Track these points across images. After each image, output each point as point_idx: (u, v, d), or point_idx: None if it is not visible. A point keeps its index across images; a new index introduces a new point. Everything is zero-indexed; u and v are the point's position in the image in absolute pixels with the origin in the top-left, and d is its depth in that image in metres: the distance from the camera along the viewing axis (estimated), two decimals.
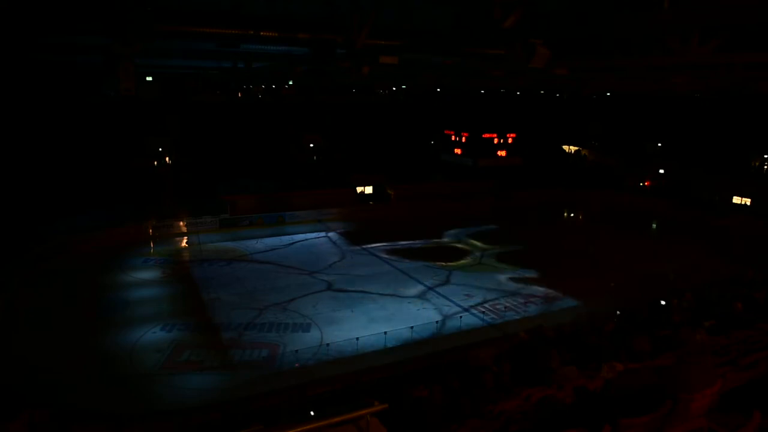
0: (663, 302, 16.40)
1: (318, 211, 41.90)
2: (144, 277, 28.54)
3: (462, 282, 28.37)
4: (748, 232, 37.52)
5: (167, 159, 52.84)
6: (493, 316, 24.03)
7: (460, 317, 23.54)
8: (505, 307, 24.86)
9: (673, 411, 5.12)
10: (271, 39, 11.71)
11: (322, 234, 38.26)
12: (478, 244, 36.10)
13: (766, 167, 53.82)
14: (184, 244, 35.62)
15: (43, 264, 28.92)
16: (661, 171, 52.46)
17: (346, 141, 63.33)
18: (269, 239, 36.40)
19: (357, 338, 20.56)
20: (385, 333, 21.00)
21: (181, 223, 37.42)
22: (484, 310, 24.68)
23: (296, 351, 19.83)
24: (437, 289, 27.19)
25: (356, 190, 45.85)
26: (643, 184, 53.02)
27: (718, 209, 43.18)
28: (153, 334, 21.64)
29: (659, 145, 63.08)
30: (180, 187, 43.55)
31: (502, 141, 63.55)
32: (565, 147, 72.60)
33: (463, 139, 64.28)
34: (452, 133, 65.80)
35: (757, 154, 54.44)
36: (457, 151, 64.86)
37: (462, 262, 32.27)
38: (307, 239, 36.91)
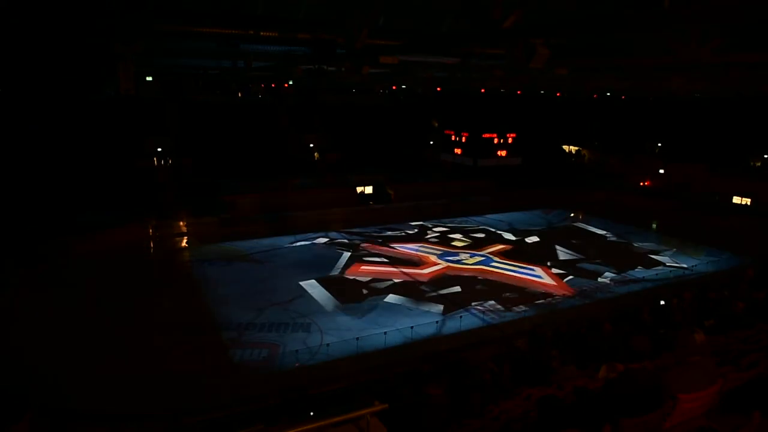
0: (663, 302, 16.42)
1: (318, 211, 41.88)
2: (144, 277, 28.50)
3: (462, 281, 28.33)
4: (748, 232, 37.47)
5: (167, 159, 52.74)
6: (493, 316, 24.03)
7: (460, 317, 23.54)
8: (505, 307, 24.85)
9: (673, 411, 5.12)
10: (271, 39, 11.73)
11: (322, 234, 38.24)
12: (478, 242, 36.10)
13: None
14: (184, 244, 35.62)
15: (43, 264, 28.91)
16: (661, 171, 52.42)
17: (346, 141, 63.18)
18: (269, 239, 36.40)
19: (357, 338, 20.58)
20: (385, 333, 21.01)
21: (181, 223, 37.42)
22: (484, 310, 24.69)
23: (296, 351, 19.85)
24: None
25: (356, 190, 45.82)
26: (643, 184, 52.97)
27: (718, 209, 43.13)
28: (153, 334, 21.63)
29: (659, 145, 62.99)
30: (180, 187, 43.48)
31: (502, 141, 63.39)
32: (565, 147, 72.51)
33: (463, 139, 64.19)
34: (452, 133, 65.71)
35: (757, 154, 54.35)
36: (457, 151, 64.77)
37: (462, 261, 32.25)
38: (307, 239, 36.89)
